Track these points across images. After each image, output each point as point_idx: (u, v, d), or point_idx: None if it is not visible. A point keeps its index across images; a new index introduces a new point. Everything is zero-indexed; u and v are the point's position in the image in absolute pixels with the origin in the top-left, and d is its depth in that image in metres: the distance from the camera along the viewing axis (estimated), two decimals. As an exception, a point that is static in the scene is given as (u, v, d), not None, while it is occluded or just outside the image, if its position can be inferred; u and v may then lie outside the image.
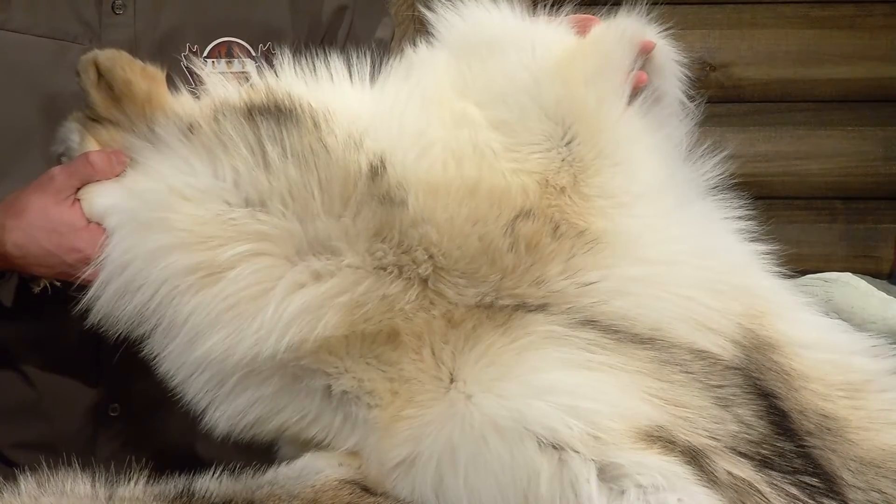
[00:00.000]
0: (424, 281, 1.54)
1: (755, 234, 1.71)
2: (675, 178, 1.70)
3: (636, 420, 1.43)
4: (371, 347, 1.52)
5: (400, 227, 1.54)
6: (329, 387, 1.54)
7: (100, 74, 1.66)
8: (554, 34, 1.73)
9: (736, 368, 1.54)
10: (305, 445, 1.57)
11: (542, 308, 1.54)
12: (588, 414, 1.43)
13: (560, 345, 1.50)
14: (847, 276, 3.05)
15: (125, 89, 1.66)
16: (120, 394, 1.99)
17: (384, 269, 1.53)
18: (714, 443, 1.44)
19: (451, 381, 1.50)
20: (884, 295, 2.96)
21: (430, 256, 1.54)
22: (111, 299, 1.59)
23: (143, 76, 1.68)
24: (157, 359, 1.60)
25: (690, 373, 1.51)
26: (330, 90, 1.66)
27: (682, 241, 1.64)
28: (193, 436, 1.87)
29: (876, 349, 1.66)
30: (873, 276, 3.07)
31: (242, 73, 1.95)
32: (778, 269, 1.71)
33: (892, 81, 3.48)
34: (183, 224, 1.55)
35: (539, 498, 1.40)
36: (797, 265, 3.32)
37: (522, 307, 1.54)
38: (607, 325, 1.54)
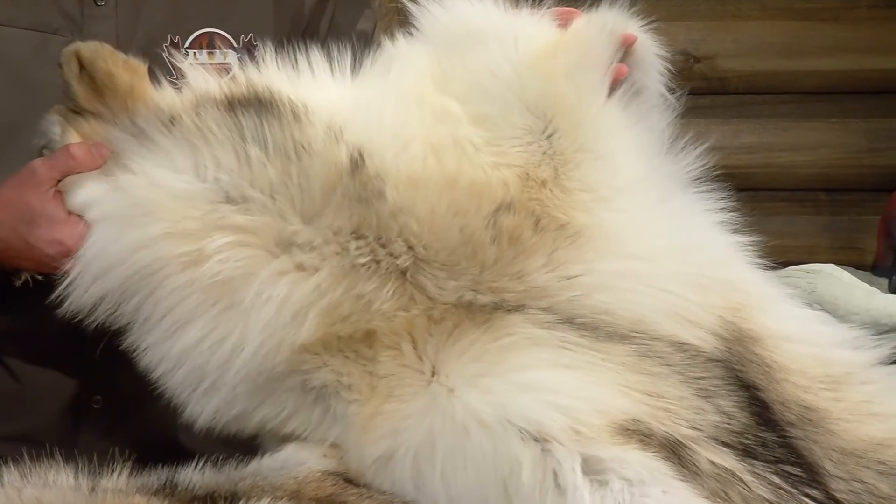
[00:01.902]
0: (403, 274, 1.54)
1: (737, 226, 1.71)
2: (656, 171, 1.70)
3: (613, 415, 1.43)
4: (348, 343, 1.52)
5: (378, 220, 1.54)
6: (305, 382, 1.54)
7: (82, 66, 1.66)
8: (536, 27, 1.73)
9: (717, 360, 1.54)
10: (286, 440, 1.58)
11: (520, 308, 1.54)
12: (569, 410, 1.43)
13: (540, 345, 1.50)
14: (830, 268, 3.06)
15: (107, 81, 1.66)
16: (103, 386, 1.99)
17: (362, 265, 1.53)
18: (695, 433, 1.45)
19: (434, 374, 1.50)
20: (867, 286, 2.97)
21: (410, 248, 1.54)
22: (91, 290, 1.58)
23: (125, 68, 1.67)
24: (137, 352, 1.59)
25: (671, 365, 1.52)
26: (310, 84, 1.66)
27: (663, 236, 1.64)
28: (176, 427, 1.87)
29: (857, 341, 1.66)
30: (857, 268, 3.07)
31: (224, 64, 1.95)
32: (760, 260, 1.71)
33: (877, 73, 3.48)
34: (164, 216, 1.55)
35: (519, 488, 1.40)
36: (781, 256, 3.32)
37: (502, 307, 1.54)
38: (588, 320, 1.54)
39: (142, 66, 1.69)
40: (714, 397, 1.50)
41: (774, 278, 1.73)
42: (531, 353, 1.50)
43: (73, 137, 1.67)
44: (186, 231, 1.54)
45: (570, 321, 1.54)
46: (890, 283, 2.99)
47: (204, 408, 1.57)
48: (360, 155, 1.56)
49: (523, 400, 1.44)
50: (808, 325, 1.68)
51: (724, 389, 1.52)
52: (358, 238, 1.53)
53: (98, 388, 1.99)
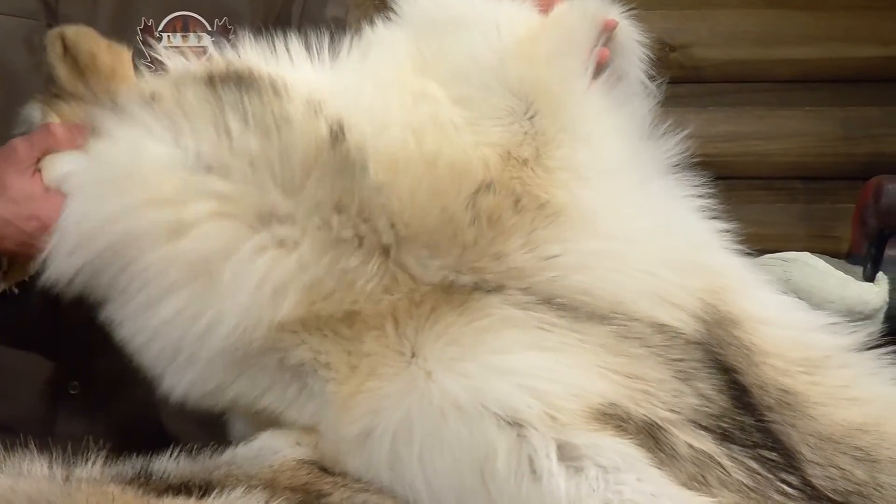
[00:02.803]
0: (386, 251, 1.53)
1: (715, 212, 1.72)
2: (636, 155, 1.70)
3: (590, 399, 1.43)
4: (328, 323, 1.52)
5: (360, 194, 1.54)
6: (283, 359, 1.54)
7: (66, 49, 1.66)
8: (517, 13, 1.73)
9: (697, 343, 1.55)
10: (257, 417, 1.57)
11: (499, 289, 1.54)
12: (546, 394, 1.43)
13: (517, 327, 1.50)
14: (806, 256, 3.07)
15: (90, 63, 1.65)
16: (80, 372, 1.98)
17: (345, 240, 1.52)
18: (674, 415, 1.45)
19: (413, 356, 1.50)
20: (842, 274, 2.98)
21: (392, 225, 1.54)
22: (70, 259, 1.56)
23: (108, 52, 1.67)
24: (114, 323, 1.59)
25: (650, 346, 1.52)
26: (289, 67, 1.66)
27: (643, 218, 1.64)
28: (154, 413, 1.86)
29: (834, 326, 1.67)
30: (832, 256, 3.09)
31: (198, 47, 1.94)
32: (737, 246, 1.72)
33: (852, 62, 3.49)
34: (143, 182, 1.54)
35: (495, 473, 1.40)
36: (756, 245, 3.33)
37: (481, 287, 1.54)
38: (567, 301, 1.54)
39: (125, 51, 1.69)
40: (693, 380, 1.51)
41: (752, 264, 1.74)
42: (508, 334, 1.50)
43: (54, 120, 1.66)
44: (165, 198, 1.53)
45: (549, 301, 1.54)
46: (864, 271, 3.00)
47: (179, 381, 1.56)
48: (340, 128, 1.56)
49: (499, 384, 1.44)
50: (787, 310, 1.69)
51: (703, 372, 1.52)
52: (340, 212, 1.53)
53: (75, 373, 1.99)
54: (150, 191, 1.53)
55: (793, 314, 1.69)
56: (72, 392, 2.00)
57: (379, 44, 1.72)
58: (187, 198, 1.53)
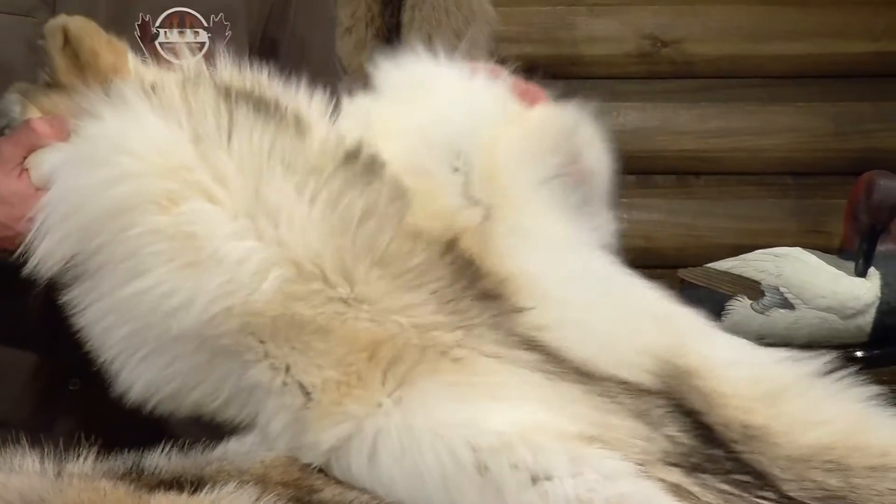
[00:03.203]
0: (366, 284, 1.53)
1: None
2: (576, 232, 1.74)
3: (571, 429, 1.44)
4: (299, 334, 1.51)
5: (382, 187, 1.55)
6: (241, 377, 1.52)
7: (66, 41, 1.65)
8: (494, 99, 1.77)
9: (658, 393, 1.56)
10: (228, 425, 1.56)
11: (493, 327, 1.55)
12: (536, 423, 1.44)
13: (508, 387, 1.51)
14: (797, 251, 3.07)
15: (91, 59, 1.64)
16: (79, 368, 1.98)
17: (324, 268, 1.52)
18: (646, 457, 1.46)
19: (399, 385, 1.50)
20: (833, 270, 2.99)
21: (379, 265, 1.55)
22: (57, 234, 1.54)
23: (109, 49, 1.66)
24: (79, 306, 1.56)
25: (619, 403, 1.53)
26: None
27: (590, 283, 1.67)
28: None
29: (790, 358, 1.69)
30: (823, 251, 3.09)
31: (195, 43, 1.94)
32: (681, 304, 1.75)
33: (843, 57, 3.50)
34: (136, 152, 1.52)
35: (495, 474, 1.40)
36: (748, 240, 3.35)
37: (469, 324, 1.54)
38: (549, 352, 1.55)
39: (125, 49, 1.68)
40: (661, 426, 1.52)
41: (695, 312, 1.77)
42: (498, 391, 1.50)
43: (34, 114, 1.65)
44: (158, 168, 1.51)
45: (538, 352, 1.55)
46: (856, 266, 3.00)
47: (139, 377, 1.54)
48: (359, 146, 1.57)
49: (490, 415, 1.45)
50: (740, 350, 1.71)
51: (670, 419, 1.54)
52: (341, 220, 1.53)
53: (75, 370, 1.98)
54: (143, 161, 1.52)
55: (746, 353, 1.71)
56: (72, 388, 2.00)
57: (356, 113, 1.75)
58: (178, 174, 1.51)
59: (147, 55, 1.76)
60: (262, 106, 1.58)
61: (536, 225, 1.70)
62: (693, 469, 1.46)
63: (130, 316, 1.52)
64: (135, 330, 1.52)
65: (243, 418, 1.53)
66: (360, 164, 1.57)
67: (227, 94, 1.58)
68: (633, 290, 1.71)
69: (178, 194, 1.50)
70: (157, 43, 1.79)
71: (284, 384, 1.50)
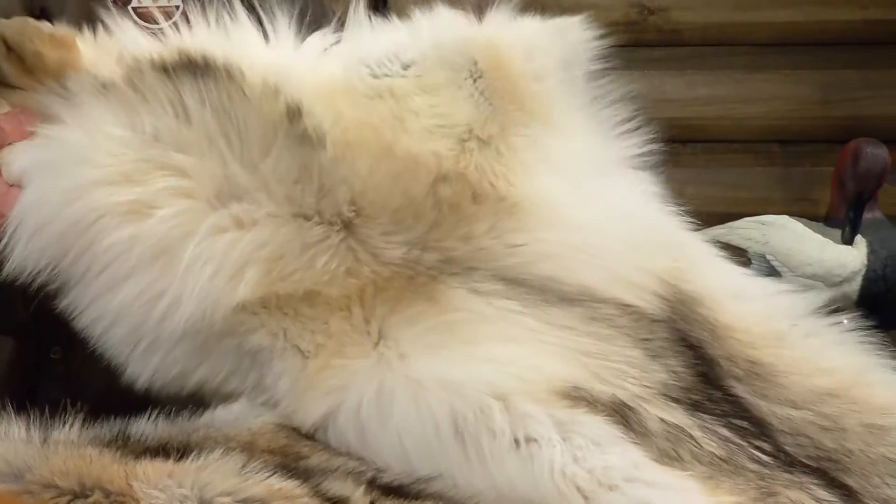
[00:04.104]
0: (347, 226, 1.53)
1: (667, 196, 1.74)
2: (595, 147, 1.72)
3: (555, 383, 1.43)
4: (288, 301, 1.51)
5: (320, 168, 1.53)
6: (241, 344, 1.53)
7: (9, 47, 1.63)
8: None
9: (662, 321, 1.55)
10: (228, 399, 1.57)
11: (466, 272, 1.54)
12: (522, 379, 1.43)
13: (487, 321, 1.50)
14: (784, 219, 3.07)
15: (36, 62, 1.63)
16: (61, 337, 1.98)
17: (304, 215, 1.52)
18: (645, 390, 1.45)
19: (381, 338, 1.50)
20: (820, 238, 2.99)
21: (352, 202, 1.53)
22: (30, 246, 1.54)
23: (52, 45, 1.64)
24: (76, 311, 1.57)
25: (618, 327, 1.52)
26: (244, 50, 1.65)
27: (602, 204, 1.65)
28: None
29: (795, 293, 1.68)
30: (810, 219, 3.10)
31: (168, 7, 1.93)
32: (694, 224, 1.74)
33: (830, 25, 3.49)
34: (101, 161, 1.52)
35: (480, 438, 1.40)
36: (735, 208, 3.36)
37: (446, 270, 1.53)
38: (535, 285, 1.54)
39: (70, 38, 1.66)
40: (662, 357, 1.51)
41: (708, 241, 1.76)
42: (478, 328, 1.49)
43: (4, 108, 1.64)
44: (122, 176, 1.51)
45: (517, 285, 1.54)
46: (843, 234, 3.01)
47: (144, 367, 1.55)
48: (298, 108, 1.56)
49: (479, 368, 1.44)
50: (746, 282, 1.71)
51: (671, 350, 1.53)
52: (299, 186, 1.52)
53: (57, 339, 1.98)
54: (106, 169, 1.52)
55: (752, 286, 1.70)
56: (53, 357, 2.00)
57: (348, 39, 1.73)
58: (144, 175, 1.51)
59: (116, 27, 1.75)
60: (196, 69, 1.58)
61: (557, 135, 1.69)
62: (694, 407, 1.46)
63: (123, 319, 1.52)
64: (131, 328, 1.53)
65: (247, 385, 1.54)
66: (302, 123, 1.56)
67: (167, 71, 1.57)
68: (647, 214, 1.70)
69: (148, 198, 1.50)
70: (130, 8, 1.77)
71: (284, 348, 1.50)
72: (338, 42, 1.73)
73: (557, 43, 1.77)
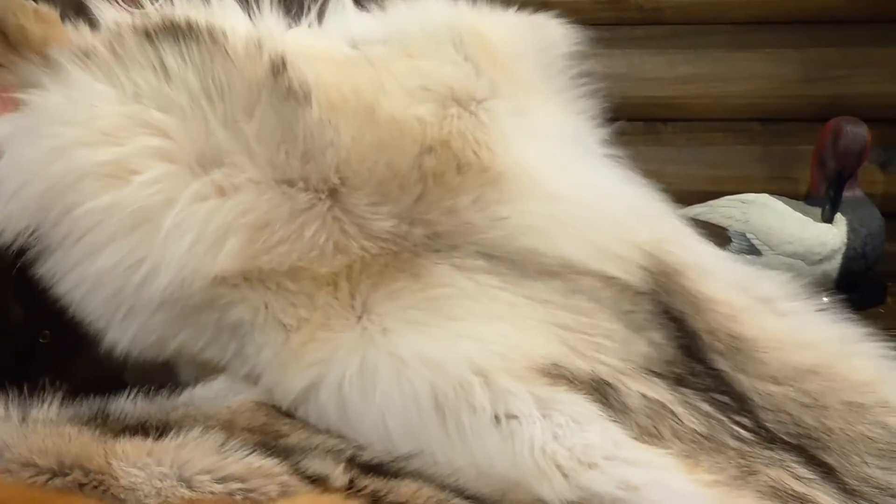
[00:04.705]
0: (333, 194, 1.53)
1: (646, 180, 1.75)
2: (576, 128, 1.73)
3: (535, 360, 1.44)
4: (271, 275, 1.51)
5: (305, 130, 1.52)
6: (220, 318, 1.53)
7: None
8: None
9: (645, 293, 1.56)
10: (203, 366, 1.57)
11: (450, 248, 1.54)
12: (504, 356, 1.43)
13: (469, 297, 1.50)
14: (764, 198, 3.08)
15: (20, 36, 1.62)
16: (51, 321, 1.97)
17: (288, 180, 1.51)
18: (626, 365, 1.46)
19: (364, 311, 1.50)
20: (800, 216, 3.00)
21: (338, 168, 1.53)
22: (9, 209, 1.54)
23: (36, 20, 1.64)
24: (55, 276, 1.57)
25: (599, 300, 1.53)
26: (227, 16, 1.65)
27: (583, 178, 1.66)
28: (122, 364, 1.86)
29: (772, 275, 1.69)
30: (791, 198, 3.11)
31: None
32: (670, 204, 1.75)
33: (810, 3, 3.49)
34: (80, 121, 1.52)
35: (460, 414, 1.40)
36: (715, 186, 3.36)
37: (431, 245, 1.53)
38: (517, 259, 1.54)
39: (53, 15, 1.66)
40: (644, 330, 1.52)
41: (686, 219, 1.77)
42: (461, 304, 1.50)
43: None
44: (103, 132, 1.50)
45: (500, 261, 1.54)
46: (823, 212, 3.01)
47: (123, 334, 1.55)
48: (283, 62, 1.55)
49: (462, 345, 1.44)
50: (725, 261, 1.72)
51: (654, 322, 1.53)
52: (283, 149, 1.52)
53: (46, 322, 1.98)
54: (86, 128, 1.51)
55: (731, 264, 1.71)
56: (42, 341, 2.00)
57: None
58: (124, 133, 1.51)
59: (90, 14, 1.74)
60: (179, 32, 1.57)
61: (539, 108, 1.70)
62: (676, 382, 1.46)
63: (103, 285, 1.52)
64: (110, 295, 1.52)
65: (226, 357, 1.54)
66: (285, 83, 1.55)
67: (148, 34, 1.57)
68: (624, 188, 1.71)
69: (129, 161, 1.50)
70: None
71: (266, 321, 1.50)
72: (318, 24, 1.73)
73: (534, 32, 1.78)
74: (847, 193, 3.00)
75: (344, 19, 1.74)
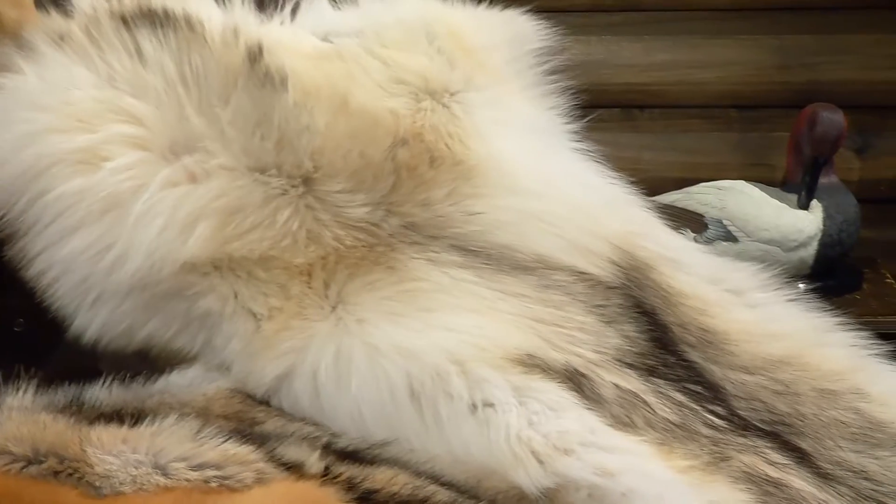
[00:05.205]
0: (307, 182, 1.52)
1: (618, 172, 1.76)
2: (547, 123, 1.73)
3: (510, 351, 1.44)
4: (242, 264, 1.51)
5: (280, 116, 1.52)
6: (189, 308, 1.53)
7: None
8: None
9: (616, 288, 1.57)
10: (174, 355, 1.56)
11: (426, 241, 1.54)
12: (479, 346, 1.44)
13: (444, 290, 1.51)
14: (741, 184, 3.09)
15: None
16: (25, 310, 1.97)
17: (261, 169, 1.51)
18: (599, 356, 1.46)
19: (338, 302, 1.50)
20: (777, 202, 3.00)
21: (312, 155, 1.53)
22: None
23: (11, 4, 1.64)
24: (24, 260, 1.56)
25: (572, 294, 1.53)
26: (203, 7, 1.65)
27: (555, 174, 1.66)
28: (96, 354, 1.86)
29: (742, 267, 1.70)
30: (767, 184, 3.11)
31: None
32: (642, 199, 1.76)
33: (787, -10, 3.50)
34: (54, 106, 1.51)
35: (437, 402, 1.41)
36: (692, 173, 3.36)
37: (406, 238, 1.53)
38: (492, 253, 1.55)
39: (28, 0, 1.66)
40: (616, 323, 1.53)
41: (657, 213, 1.78)
42: (436, 297, 1.50)
43: None
44: (76, 118, 1.50)
45: (475, 255, 1.54)
46: (799, 199, 3.02)
47: (91, 321, 1.55)
48: (260, 48, 1.55)
49: (437, 335, 1.45)
50: (696, 254, 1.72)
51: (626, 316, 1.54)
52: (259, 131, 1.51)
53: (20, 311, 1.97)
54: (59, 114, 1.51)
55: (703, 256, 1.72)
56: (16, 329, 1.99)
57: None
58: (97, 119, 1.50)
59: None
60: (155, 18, 1.57)
61: (512, 101, 1.70)
62: (649, 373, 1.47)
63: (71, 270, 1.51)
64: (80, 280, 1.52)
65: (196, 346, 1.54)
66: (262, 69, 1.55)
67: (125, 20, 1.57)
68: (595, 182, 1.71)
69: (101, 147, 1.49)
70: None
71: (234, 311, 1.50)
72: (291, 20, 1.73)
73: (505, 27, 1.78)
74: (823, 180, 3.00)
75: (317, 14, 1.74)
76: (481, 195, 1.58)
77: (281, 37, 1.65)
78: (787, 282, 1.71)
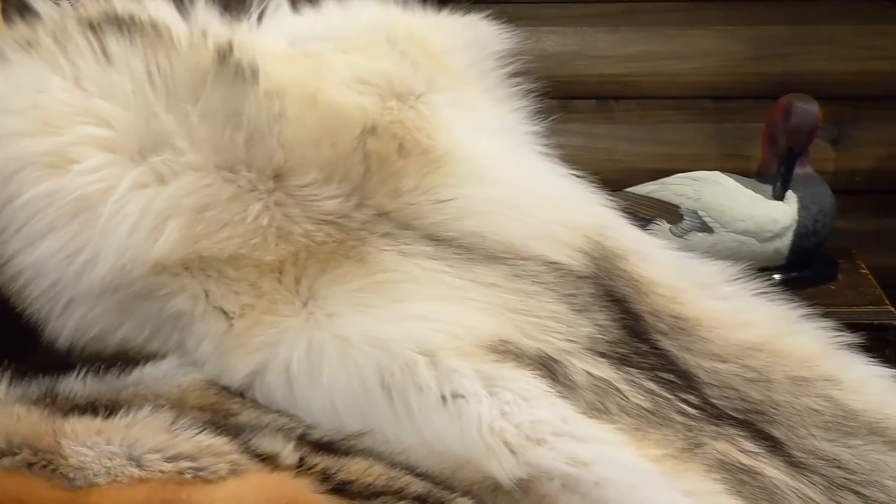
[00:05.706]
0: (277, 177, 1.53)
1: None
2: (512, 123, 1.74)
3: (483, 338, 1.44)
4: (212, 263, 1.51)
5: (250, 112, 1.52)
6: (161, 309, 1.53)
7: None
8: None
9: (587, 277, 1.57)
10: (153, 358, 1.56)
11: (396, 231, 1.54)
12: (451, 335, 1.44)
13: (415, 280, 1.51)
14: (716, 175, 3.09)
15: None
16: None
17: (230, 168, 1.51)
18: (571, 345, 1.47)
19: (309, 297, 1.50)
20: (752, 193, 3.01)
21: (282, 146, 1.53)
22: None
23: None
24: None
25: (543, 283, 1.54)
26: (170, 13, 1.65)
27: (523, 167, 1.67)
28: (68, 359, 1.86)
29: (709, 261, 1.71)
30: (742, 175, 3.11)
31: None
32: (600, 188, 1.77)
33: (762, -19, 3.50)
34: (21, 110, 1.51)
35: (407, 394, 1.41)
36: (668, 164, 3.37)
37: (378, 230, 1.54)
38: (463, 243, 1.55)
39: None
40: (587, 312, 1.53)
41: (619, 209, 1.79)
42: (407, 287, 1.50)
43: None
44: (44, 121, 1.50)
45: (446, 245, 1.55)
46: (774, 189, 3.03)
47: (64, 325, 1.55)
48: (230, 46, 1.55)
49: (408, 325, 1.45)
50: (663, 248, 1.74)
51: (597, 305, 1.55)
52: (228, 128, 1.51)
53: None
54: (27, 118, 1.51)
55: (668, 251, 1.73)
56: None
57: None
58: (64, 122, 1.50)
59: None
60: (122, 24, 1.57)
61: (475, 101, 1.71)
62: (621, 361, 1.48)
63: (42, 274, 1.51)
64: (51, 284, 1.52)
65: (170, 346, 1.54)
66: (232, 65, 1.55)
67: (92, 25, 1.57)
68: (560, 179, 1.72)
69: (69, 150, 1.49)
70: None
71: (205, 311, 1.50)
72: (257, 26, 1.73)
73: (466, 31, 1.79)
74: (798, 171, 3.01)
75: (281, 21, 1.75)
76: (450, 184, 1.59)
77: (249, 37, 1.66)
78: (756, 276, 1.72)
